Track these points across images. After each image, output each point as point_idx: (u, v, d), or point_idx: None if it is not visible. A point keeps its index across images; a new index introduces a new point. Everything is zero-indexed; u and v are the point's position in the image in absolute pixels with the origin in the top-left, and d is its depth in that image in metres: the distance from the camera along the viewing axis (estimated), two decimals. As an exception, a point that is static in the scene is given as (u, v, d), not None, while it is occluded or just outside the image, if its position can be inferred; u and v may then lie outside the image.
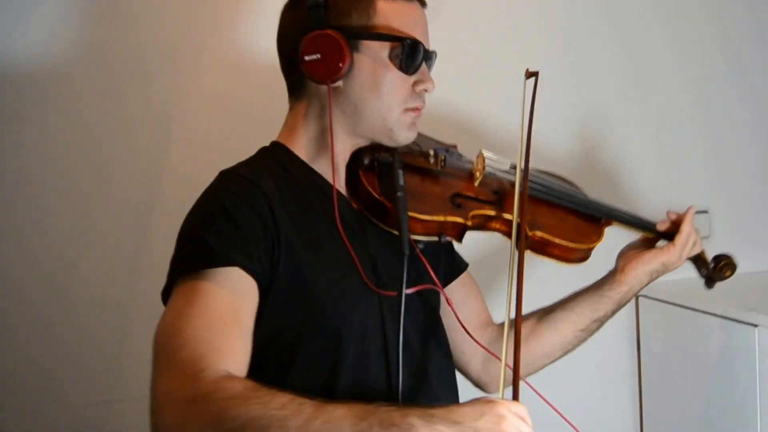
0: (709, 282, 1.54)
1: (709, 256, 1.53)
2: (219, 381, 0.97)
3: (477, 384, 1.48)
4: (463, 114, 2.05)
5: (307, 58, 1.18)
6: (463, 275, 1.47)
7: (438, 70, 1.31)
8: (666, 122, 2.29)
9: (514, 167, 1.34)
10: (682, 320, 2.05)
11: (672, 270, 1.44)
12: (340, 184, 1.26)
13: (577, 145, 2.20)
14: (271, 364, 1.16)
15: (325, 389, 1.13)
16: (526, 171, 1.20)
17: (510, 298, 1.04)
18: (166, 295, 1.12)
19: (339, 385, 1.15)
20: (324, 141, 1.24)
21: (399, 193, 1.18)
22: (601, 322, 1.44)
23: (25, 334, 1.76)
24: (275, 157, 1.26)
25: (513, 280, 1.05)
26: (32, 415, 1.76)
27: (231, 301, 1.07)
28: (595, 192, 1.52)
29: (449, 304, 1.26)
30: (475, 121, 2.06)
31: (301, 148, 1.26)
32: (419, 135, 1.35)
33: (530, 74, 1.28)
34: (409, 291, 1.16)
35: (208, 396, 0.94)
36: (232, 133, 1.85)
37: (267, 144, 1.31)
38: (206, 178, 1.22)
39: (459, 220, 1.24)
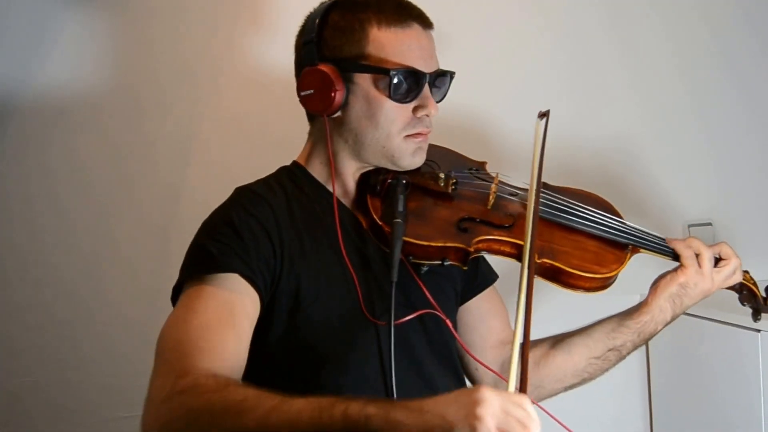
0: (755, 314, 1.41)
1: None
2: (196, 378, 0.99)
3: None
4: (485, 128, 2.08)
5: (302, 93, 1.21)
6: (488, 290, 1.43)
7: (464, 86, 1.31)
8: (670, 130, 2.29)
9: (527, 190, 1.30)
10: (688, 327, 2.03)
11: (700, 294, 1.32)
12: (352, 205, 1.28)
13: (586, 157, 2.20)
14: (292, 390, 1.20)
15: None
16: (535, 216, 1.17)
17: (517, 326, 1.01)
18: (175, 300, 1.16)
19: None
20: (331, 168, 1.26)
21: (396, 219, 1.18)
22: (619, 353, 1.36)
23: (53, 350, 1.83)
24: (291, 175, 1.29)
25: (521, 307, 1.02)
26: (58, 429, 1.82)
27: (227, 303, 1.10)
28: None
29: (448, 326, 1.24)
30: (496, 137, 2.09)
31: (315, 169, 1.29)
32: (448, 151, 1.38)
33: (542, 114, 1.28)
34: (399, 321, 1.16)
35: (182, 392, 0.97)
36: (248, 154, 1.91)
37: (285, 164, 1.34)
38: (222, 199, 1.27)
39: (460, 245, 1.21)
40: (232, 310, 1.10)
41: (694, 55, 2.27)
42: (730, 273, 1.32)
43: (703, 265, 1.29)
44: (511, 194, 1.32)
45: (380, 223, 1.22)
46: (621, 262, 1.28)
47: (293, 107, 1.26)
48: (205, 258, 1.14)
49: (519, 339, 0.98)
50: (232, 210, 1.20)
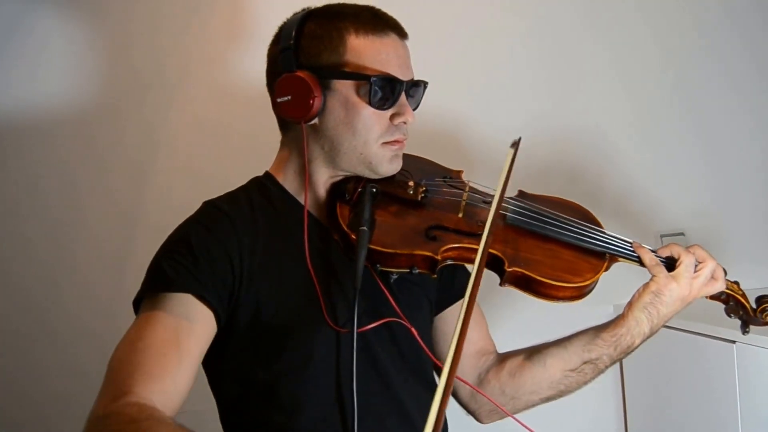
0: (744, 326, 1.36)
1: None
2: (124, 405, 1.01)
3: (467, 410, 1.45)
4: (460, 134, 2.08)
5: (279, 100, 1.21)
6: None
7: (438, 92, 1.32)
8: (660, 134, 2.30)
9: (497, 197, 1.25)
10: (662, 338, 2.02)
11: (678, 302, 1.28)
12: (324, 216, 1.27)
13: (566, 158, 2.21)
14: (251, 401, 1.20)
15: (291, 426, 1.18)
16: (484, 253, 1.10)
17: (453, 340, 0.93)
18: (137, 311, 1.18)
19: (301, 421, 1.18)
20: (305, 175, 1.25)
21: (362, 227, 1.18)
22: (595, 366, 1.33)
23: (64, 338, 1.85)
24: (262, 187, 1.29)
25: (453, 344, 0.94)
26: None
27: (174, 327, 1.12)
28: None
29: (414, 334, 1.22)
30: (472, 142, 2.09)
31: (287, 180, 1.28)
32: (423, 160, 1.37)
33: (514, 143, 1.28)
34: (362, 329, 1.16)
35: (107, 416, 1.00)
36: (216, 158, 1.90)
37: (258, 172, 1.33)
38: (187, 202, 1.27)
39: (427, 254, 1.20)
40: (178, 333, 1.11)
41: (682, 61, 2.33)
42: (708, 276, 1.28)
43: (678, 270, 1.27)
44: (483, 202, 1.31)
45: (347, 231, 1.21)
46: (596, 271, 1.26)
47: (265, 115, 1.26)
48: (160, 277, 1.16)
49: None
50: (192, 229, 1.21)
